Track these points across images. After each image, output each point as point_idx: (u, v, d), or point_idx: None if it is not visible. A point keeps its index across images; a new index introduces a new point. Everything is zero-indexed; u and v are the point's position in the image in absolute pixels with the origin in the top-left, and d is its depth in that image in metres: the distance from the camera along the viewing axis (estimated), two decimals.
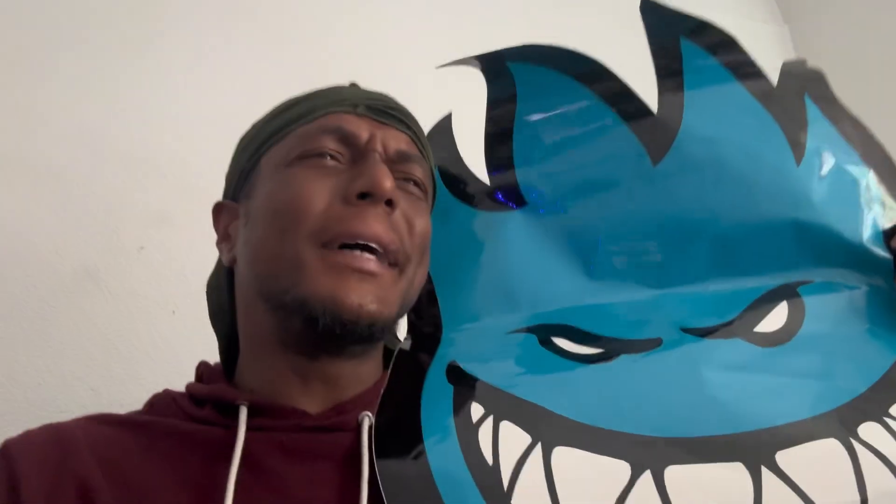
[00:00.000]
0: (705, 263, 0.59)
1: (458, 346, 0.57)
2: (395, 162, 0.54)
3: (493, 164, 0.63)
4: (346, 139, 0.53)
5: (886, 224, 0.58)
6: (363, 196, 0.50)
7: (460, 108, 0.66)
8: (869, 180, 0.59)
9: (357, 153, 0.53)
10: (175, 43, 1.01)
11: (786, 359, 0.52)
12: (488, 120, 0.63)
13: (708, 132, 0.60)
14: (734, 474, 0.45)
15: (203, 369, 0.58)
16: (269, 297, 0.52)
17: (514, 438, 0.49)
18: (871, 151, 0.60)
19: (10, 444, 0.50)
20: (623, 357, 0.54)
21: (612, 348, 0.55)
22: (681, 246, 0.59)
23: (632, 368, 0.53)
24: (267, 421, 0.50)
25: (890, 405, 0.49)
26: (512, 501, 0.45)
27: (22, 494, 0.46)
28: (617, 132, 0.61)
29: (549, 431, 0.49)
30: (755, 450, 0.46)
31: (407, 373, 0.54)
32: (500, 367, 0.55)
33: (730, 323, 0.55)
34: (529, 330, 0.57)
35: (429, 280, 0.60)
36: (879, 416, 0.48)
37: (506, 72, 0.62)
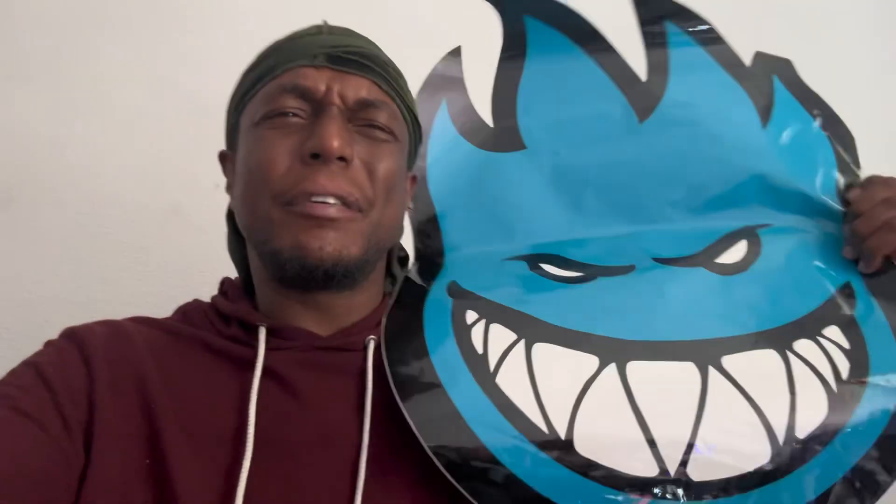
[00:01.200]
0: (680, 206, 0.68)
1: (458, 268, 0.66)
2: (356, 110, 0.57)
3: (497, 108, 0.70)
4: (305, 94, 0.56)
5: (843, 176, 0.66)
6: (315, 156, 0.53)
7: (472, 42, 0.72)
8: (828, 144, 0.68)
9: (317, 107, 0.56)
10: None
11: (740, 285, 0.61)
12: (499, 69, 0.71)
13: (687, 97, 0.69)
14: (685, 370, 0.54)
15: (227, 285, 0.63)
16: (254, 245, 0.59)
17: (501, 335, 0.58)
18: (831, 123, 0.69)
19: (76, 329, 0.56)
20: (600, 279, 0.63)
21: (591, 272, 0.64)
22: (659, 190, 0.68)
23: (606, 286, 0.62)
24: (284, 342, 0.56)
25: (824, 327, 0.58)
26: (496, 380, 0.54)
27: (93, 368, 0.52)
28: (610, 94, 0.69)
29: (532, 331, 0.58)
30: (705, 353, 0.55)
31: (411, 292, 0.63)
32: (494, 285, 0.63)
33: (696, 255, 0.64)
34: (521, 258, 0.66)
35: (433, 209, 0.69)
36: (813, 335, 0.57)
37: (521, 25, 0.70)
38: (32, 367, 0.52)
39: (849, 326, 0.57)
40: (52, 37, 1.00)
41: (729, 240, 0.65)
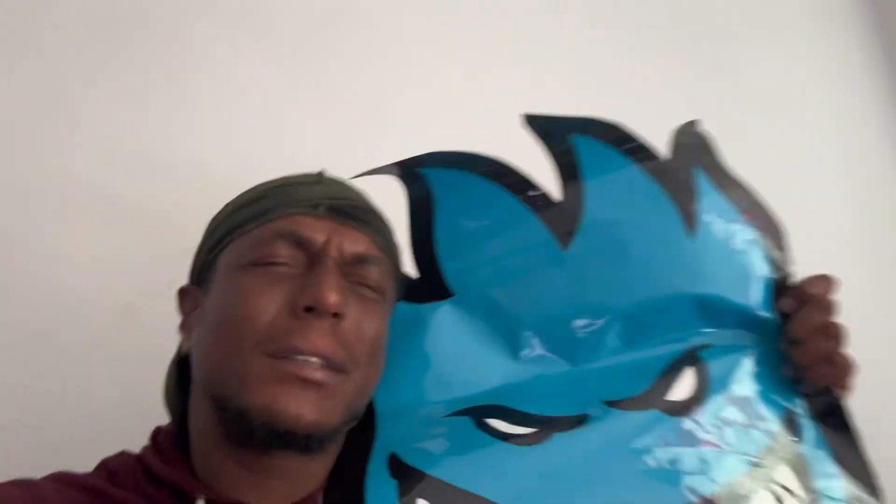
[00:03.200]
0: (617, 337, 0.65)
1: (395, 434, 0.61)
2: (351, 265, 0.55)
3: (418, 259, 0.67)
4: (302, 244, 0.54)
5: (777, 277, 0.65)
6: (309, 309, 0.51)
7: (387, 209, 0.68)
8: (757, 242, 0.66)
9: (312, 257, 0.54)
10: (219, 65, 1.02)
11: (695, 429, 0.59)
12: (410, 220, 0.67)
13: (608, 216, 0.65)
14: None
15: (161, 438, 0.57)
16: (213, 399, 0.53)
17: None
18: (758, 214, 0.67)
19: None
20: (556, 436, 0.59)
21: (542, 426, 0.60)
22: (594, 323, 0.65)
23: (564, 448, 0.58)
24: None
25: (775, 471, 0.57)
26: None
27: None
28: (527, 223, 0.66)
29: None
30: None
31: (347, 467, 0.58)
32: (441, 455, 0.58)
33: (646, 393, 0.62)
34: (464, 412, 0.62)
35: None
36: (769, 485, 0.56)
37: (420, 176, 0.66)
38: None
39: (796, 463, 0.57)
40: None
41: (675, 370, 0.63)
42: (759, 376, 0.62)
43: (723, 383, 0.61)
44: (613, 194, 0.66)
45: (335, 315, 0.51)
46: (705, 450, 0.58)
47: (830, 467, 0.57)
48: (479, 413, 0.62)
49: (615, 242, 0.65)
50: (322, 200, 0.56)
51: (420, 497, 0.55)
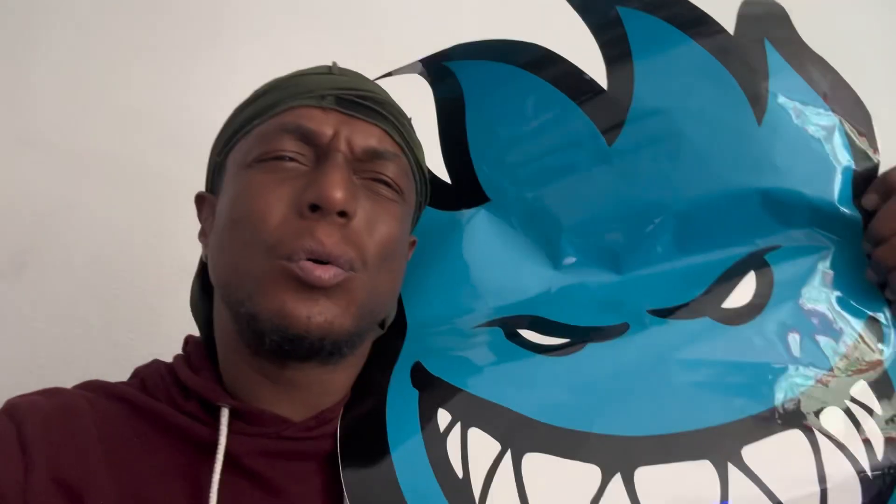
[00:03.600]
0: (670, 241, 0.58)
1: (422, 345, 0.58)
2: (363, 160, 0.51)
3: (451, 164, 0.62)
4: (308, 138, 0.50)
5: (859, 169, 0.55)
6: (315, 208, 0.48)
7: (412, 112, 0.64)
8: (837, 128, 0.56)
9: (321, 152, 0.50)
10: (243, 36, 1.03)
11: (753, 339, 0.52)
12: (441, 122, 0.62)
13: (660, 103, 0.57)
14: (702, 472, 0.46)
15: (191, 348, 0.56)
16: (229, 305, 0.51)
17: (483, 447, 0.50)
18: (839, 95, 0.57)
19: (17, 405, 0.50)
20: (590, 346, 0.54)
21: (578, 337, 0.55)
22: (644, 226, 0.58)
23: (599, 358, 0.53)
24: (249, 427, 0.50)
25: (851, 386, 0.49)
26: None
27: (32, 457, 0.46)
28: (570, 115, 0.59)
29: (519, 437, 0.49)
30: (722, 445, 0.47)
31: (371, 377, 0.55)
32: (466, 366, 0.55)
33: (697, 299, 0.55)
34: (494, 323, 0.58)
35: None
36: (841, 401, 0.48)
37: (447, 72, 0.61)
38: None
39: (878, 381, 0.49)
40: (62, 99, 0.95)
41: (735, 274, 0.55)
42: (837, 281, 0.54)
43: (791, 289, 0.53)
44: (668, 77, 0.57)
45: (342, 214, 0.48)
46: (763, 362, 0.51)
47: None
48: (510, 324, 0.57)
49: (669, 133, 0.57)
50: (330, 91, 0.52)
51: (441, 407, 0.52)
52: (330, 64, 0.56)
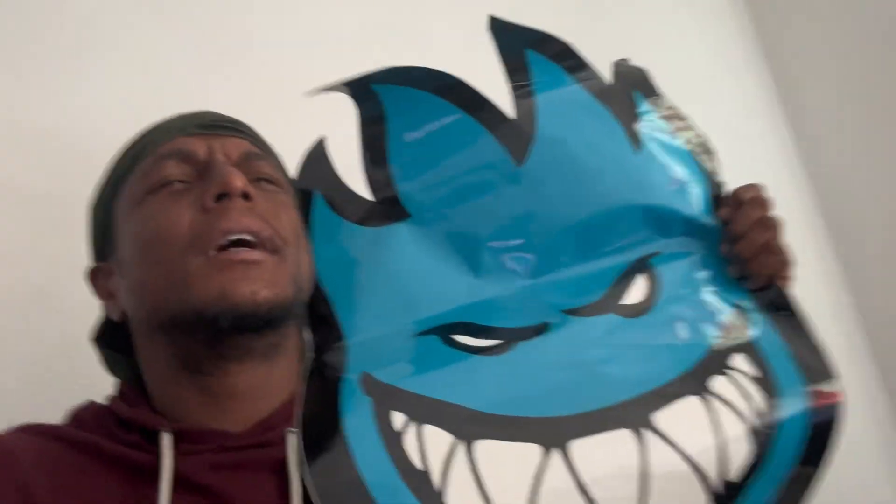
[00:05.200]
0: (572, 250, 0.67)
1: (365, 356, 0.61)
2: (242, 164, 0.56)
3: (372, 181, 0.66)
4: (188, 159, 0.54)
5: (713, 192, 0.69)
6: (220, 198, 0.51)
7: (333, 130, 0.68)
8: (691, 156, 0.70)
9: (202, 168, 0.54)
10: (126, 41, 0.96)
11: (651, 327, 0.62)
12: (362, 140, 0.66)
13: (559, 133, 0.67)
14: (623, 439, 0.55)
15: (125, 387, 0.57)
16: (164, 322, 0.52)
17: (437, 440, 0.55)
18: (689, 133, 0.71)
19: None
20: (519, 345, 0.61)
21: (507, 337, 0.62)
22: (550, 237, 0.67)
23: (528, 354, 0.61)
24: (193, 446, 0.51)
25: (727, 357, 0.60)
26: (445, 500, 0.52)
27: None
28: (482, 139, 0.67)
29: (469, 428, 0.55)
30: (635, 414, 0.56)
31: (320, 389, 0.57)
32: (412, 371, 0.60)
33: (602, 300, 0.64)
34: (431, 332, 0.63)
35: (324, 299, 0.64)
36: (722, 369, 0.59)
37: (372, 94, 0.65)
38: None
39: (750, 351, 0.60)
40: None
41: (627, 277, 0.66)
42: (707, 278, 0.66)
43: (674, 286, 0.65)
44: (563, 112, 0.68)
45: (246, 196, 0.52)
46: (661, 344, 0.61)
47: (784, 352, 0.61)
48: (445, 331, 0.63)
49: (567, 158, 0.67)
50: (193, 123, 0.57)
51: (394, 409, 0.56)
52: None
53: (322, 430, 0.55)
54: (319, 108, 0.67)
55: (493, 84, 0.67)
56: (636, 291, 0.65)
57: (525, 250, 0.67)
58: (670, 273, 0.66)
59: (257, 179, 0.56)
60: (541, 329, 0.63)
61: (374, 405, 0.57)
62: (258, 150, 0.58)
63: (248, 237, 0.51)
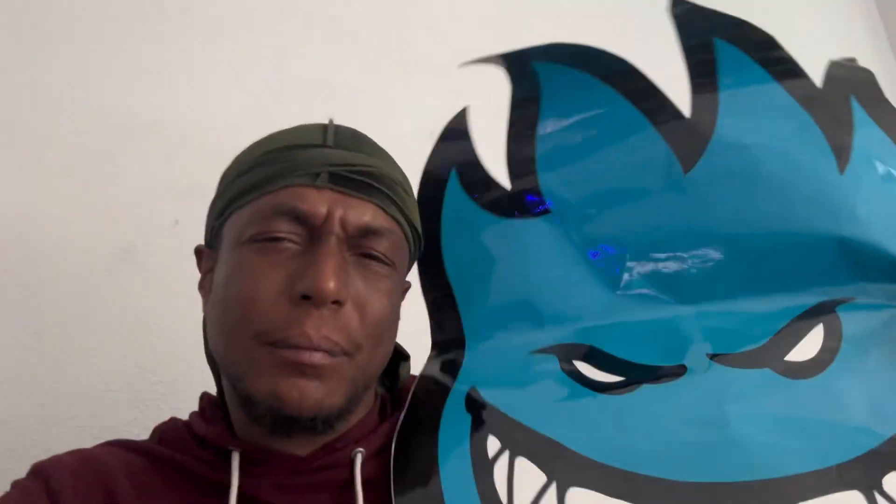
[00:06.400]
0: (738, 279, 0.56)
1: (479, 368, 0.58)
2: (357, 238, 0.52)
3: (514, 168, 0.60)
4: (302, 219, 0.51)
5: None
6: (307, 297, 0.48)
7: (480, 106, 0.62)
8: None
9: (315, 233, 0.51)
10: (190, 12, 1.00)
11: (815, 396, 0.50)
12: (510, 121, 0.60)
13: (743, 138, 0.56)
14: None
15: (205, 403, 0.59)
16: (226, 378, 0.54)
17: (529, 476, 0.50)
18: None
19: (42, 464, 0.53)
20: (645, 387, 0.53)
21: (634, 376, 0.54)
22: (712, 260, 0.56)
23: (653, 401, 0.52)
24: (260, 467, 0.52)
25: None
26: None
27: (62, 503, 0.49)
28: (646, 137, 0.57)
29: (565, 470, 0.49)
30: (776, 500, 0.46)
31: (429, 397, 0.56)
32: (520, 396, 0.55)
33: (761, 348, 0.53)
34: (550, 351, 0.57)
35: (449, 291, 0.60)
36: None
37: (530, 72, 0.59)
38: None
39: None
40: None
41: (801, 324, 0.54)
42: None
43: (861, 346, 0.52)
44: (753, 114, 0.56)
45: (335, 302, 0.49)
46: (825, 419, 0.49)
47: None
48: (566, 352, 0.57)
49: (749, 169, 0.55)
50: (323, 168, 0.52)
51: (492, 434, 0.52)
52: (326, 122, 0.55)
53: (418, 439, 0.53)
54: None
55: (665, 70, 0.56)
56: (809, 345, 0.52)
57: (679, 272, 0.57)
58: (862, 328, 0.52)
59: (365, 256, 0.52)
60: (677, 373, 0.53)
61: (472, 425, 0.53)
62: (382, 222, 0.53)
63: (316, 352, 0.49)
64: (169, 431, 0.57)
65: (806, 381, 0.51)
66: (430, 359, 0.60)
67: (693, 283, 0.57)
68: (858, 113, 0.56)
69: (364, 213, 0.52)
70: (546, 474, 0.49)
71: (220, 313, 0.52)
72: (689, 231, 0.57)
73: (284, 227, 0.50)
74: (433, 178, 0.62)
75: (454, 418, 0.55)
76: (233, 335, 0.50)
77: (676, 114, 0.57)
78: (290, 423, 0.49)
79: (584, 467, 0.49)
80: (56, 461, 0.53)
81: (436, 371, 0.59)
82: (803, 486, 0.46)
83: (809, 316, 0.54)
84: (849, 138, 0.55)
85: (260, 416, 0.50)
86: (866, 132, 0.55)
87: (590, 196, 0.59)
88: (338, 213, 0.51)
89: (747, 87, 0.56)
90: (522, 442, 0.51)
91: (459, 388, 0.57)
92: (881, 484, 0.45)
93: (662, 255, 0.58)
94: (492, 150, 0.61)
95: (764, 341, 0.53)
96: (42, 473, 0.52)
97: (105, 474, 0.51)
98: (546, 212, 0.60)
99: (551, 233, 0.60)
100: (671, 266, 0.57)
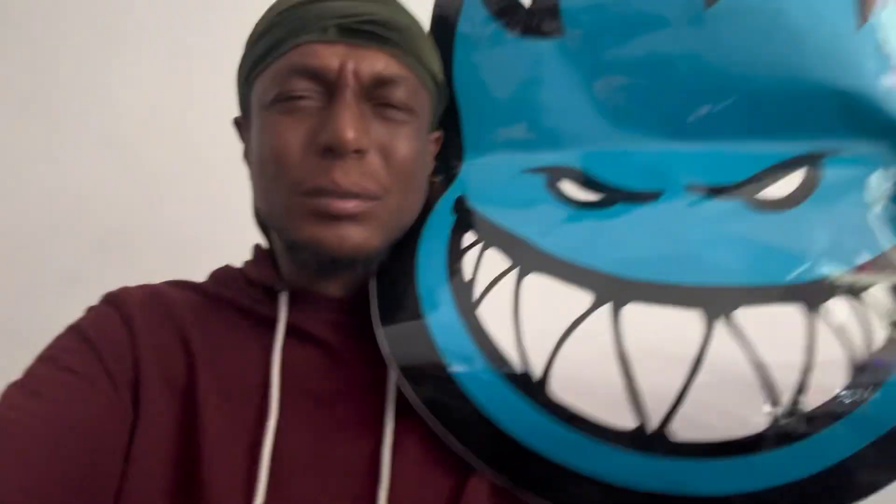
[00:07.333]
0: (737, 120, 0.57)
1: (471, 178, 0.61)
2: (373, 87, 0.53)
3: None
4: (316, 76, 0.53)
5: None
6: (329, 149, 0.51)
7: None
8: None
9: (330, 88, 0.53)
10: None
11: (779, 227, 0.52)
12: None
13: None
14: (688, 319, 0.49)
15: (257, 252, 0.64)
16: (272, 229, 0.59)
17: (494, 262, 0.54)
18: None
19: (115, 293, 0.58)
20: (619, 205, 0.56)
21: (612, 196, 0.57)
22: (715, 98, 0.57)
23: (624, 216, 0.55)
24: (305, 305, 0.57)
25: (866, 288, 0.49)
26: (478, 310, 0.52)
27: (135, 328, 0.54)
28: None
29: (529, 260, 0.54)
30: (718, 301, 0.49)
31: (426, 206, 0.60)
32: (503, 203, 0.59)
33: (738, 184, 0.55)
34: (542, 170, 0.60)
35: (455, 108, 0.63)
36: (851, 296, 0.49)
37: None
38: (75, 331, 0.54)
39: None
40: None
41: (784, 168, 0.55)
42: (886, 198, 0.53)
43: (835, 191, 0.53)
44: None
45: (356, 151, 0.51)
46: (782, 246, 0.52)
47: None
48: (554, 173, 0.60)
49: (768, 10, 0.55)
50: (331, 21, 0.53)
51: (470, 230, 0.57)
52: None
53: (402, 246, 0.58)
54: None
55: None
56: (785, 185, 0.54)
57: (680, 106, 0.58)
58: (838, 178, 0.54)
59: (383, 105, 0.54)
60: (652, 196, 0.56)
61: (452, 224, 0.58)
62: (396, 70, 0.54)
63: (344, 195, 0.52)
64: (224, 275, 0.62)
65: (773, 213, 0.53)
66: (434, 169, 0.64)
67: (692, 122, 0.58)
68: None
69: (376, 63, 0.53)
70: (511, 260, 0.54)
71: (258, 173, 0.56)
72: (699, 69, 0.57)
73: (301, 86, 0.53)
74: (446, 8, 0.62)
75: (440, 218, 0.59)
76: (271, 190, 0.54)
77: None
78: (332, 264, 0.55)
79: (548, 260, 0.54)
80: (125, 291, 0.58)
81: (438, 182, 0.63)
82: (748, 294, 0.49)
83: (794, 163, 0.55)
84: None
85: (305, 261, 0.56)
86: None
87: (608, 21, 0.59)
88: (350, 65, 0.52)
89: None
90: (496, 237, 0.56)
91: (450, 196, 0.61)
92: (823, 305, 0.48)
93: (667, 92, 0.59)
94: None
95: (742, 178, 0.55)
96: (115, 301, 0.57)
97: (171, 307, 0.57)
98: (560, 33, 0.60)
99: (561, 57, 0.61)
100: (674, 102, 0.59)
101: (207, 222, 1.03)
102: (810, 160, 0.55)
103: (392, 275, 0.56)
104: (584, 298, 0.51)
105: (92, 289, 0.58)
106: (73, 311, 0.55)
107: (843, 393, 0.46)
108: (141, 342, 0.54)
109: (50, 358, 0.52)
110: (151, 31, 1.11)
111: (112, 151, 1.06)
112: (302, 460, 0.51)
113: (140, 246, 1.02)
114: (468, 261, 0.55)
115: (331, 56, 0.53)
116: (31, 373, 0.51)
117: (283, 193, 0.53)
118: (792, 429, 0.46)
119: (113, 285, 0.60)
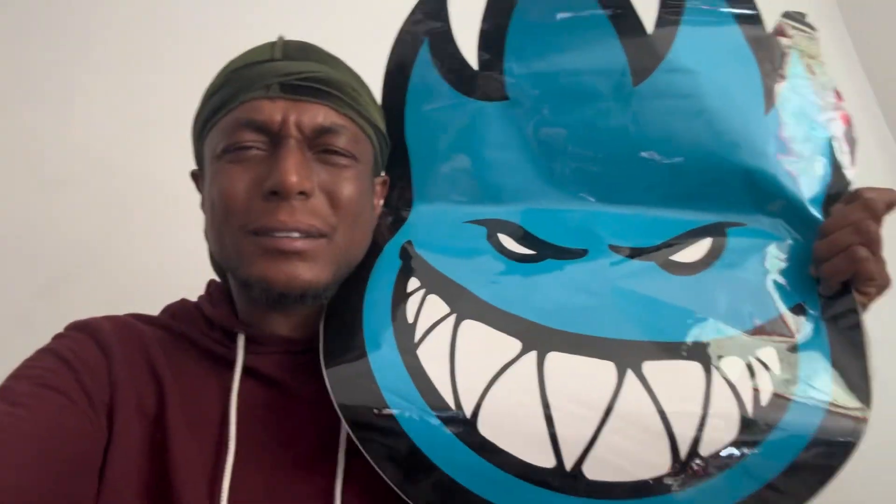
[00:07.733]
0: (656, 189, 0.64)
1: (418, 225, 0.65)
2: (314, 137, 0.57)
3: (484, 48, 0.66)
4: (261, 128, 0.56)
5: (834, 181, 0.61)
6: (275, 193, 0.54)
7: None
8: (826, 143, 0.62)
9: (274, 139, 0.56)
10: None
11: (685, 290, 0.58)
12: (487, 7, 0.66)
13: (692, 64, 0.62)
14: (604, 369, 0.54)
15: (213, 288, 0.66)
16: (225, 269, 0.61)
17: (435, 307, 0.59)
18: (839, 117, 0.63)
19: (85, 322, 0.59)
20: (549, 261, 0.62)
21: (543, 252, 0.62)
22: (638, 168, 0.64)
23: (554, 271, 0.61)
24: (261, 347, 0.60)
25: (759, 348, 0.55)
26: (418, 350, 0.56)
27: (110, 352, 0.56)
28: (608, 44, 0.63)
29: (466, 307, 0.58)
30: (628, 355, 0.54)
31: (373, 247, 0.64)
32: (445, 252, 0.63)
33: (654, 248, 0.61)
34: (483, 222, 0.65)
35: (406, 158, 0.67)
36: (745, 355, 0.54)
37: None
38: (50, 353, 0.55)
39: (787, 351, 0.55)
40: None
41: (694, 236, 0.62)
42: (781, 267, 0.60)
43: (737, 259, 0.60)
44: (706, 47, 0.63)
45: (301, 193, 0.55)
46: (687, 308, 0.57)
47: (824, 364, 0.55)
48: (494, 226, 0.65)
49: (690, 92, 0.62)
50: (274, 80, 0.57)
51: (414, 276, 0.61)
52: (273, 42, 0.60)
53: (350, 287, 0.61)
54: None
55: None
56: (694, 252, 0.61)
57: (605, 173, 0.65)
58: (741, 248, 0.61)
59: (326, 151, 0.57)
60: (579, 254, 0.62)
61: (398, 269, 0.62)
62: (336, 120, 0.58)
63: (293, 234, 0.55)
64: (181, 311, 0.64)
65: (681, 277, 0.59)
66: (383, 214, 0.68)
67: (616, 185, 0.65)
68: (795, 66, 0.63)
69: (317, 115, 0.57)
70: (449, 307, 0.59)
71: (210, 217, 0.59)
72: (625, 140, 0.64)
73: (249, 137, 0.56)
74: (408, 41, 0.67)
75: (387, 263, 0.63)
76: (222, 232, 0.57)
77: (640, 29, 0.63)
78: (283, 300, 0.57)
79: (483, 308, 0.59)
80: (95, 321, 0.59)
81: (386, 224, 0.67)
82: (654, 350, 0.55)
83: (704, 231, 0.62)
84: (780, 85, 0.62)
85: (257, 298, 0.57)
86: (797, 84, 0.63)
87: (547, 91, 0.65)
88: (292, 118, 0.56)
89: (707, 24, 0.63)
90: (437, 284, 0.60)
91: (398, 240, 0.65)
92: (719, 363, 0.54)
93: (595, 158, 0.65)
94: (465, 28, 0.66)
95: (658, 242, 0.62)
96: (86, 328, 0.58)
97: (142, 339, 0.59)
98: (505, 98, 0.66)
99: (504, 120, 0.66)
100: (601, 168, 0.65)
101: (158, 262, 1.04)
102: (718, 229, 0.62)
103: (341, 316, 0.60)
104: (513, 344, 0.56)
105: (41, 331, 0.59)
106: (21, 354, 0.55)
107: (731, 446, 0.52)
108: (116, 368, 0.55)
109: (27, 376, 0.52)
110: (107, 69, 1.12)
111: (66, 189, 1.06)
112: (258, 496, 0.53)
113: (90, 288, 1.02)
114: (412, 305, 0.59)
115: (274, 110, 0.56)
116: (7, 388, 0.51)
117: (233, 234, 0.56)
118: (691, 474, 0.51)
119: (61, 328, 0.60)
